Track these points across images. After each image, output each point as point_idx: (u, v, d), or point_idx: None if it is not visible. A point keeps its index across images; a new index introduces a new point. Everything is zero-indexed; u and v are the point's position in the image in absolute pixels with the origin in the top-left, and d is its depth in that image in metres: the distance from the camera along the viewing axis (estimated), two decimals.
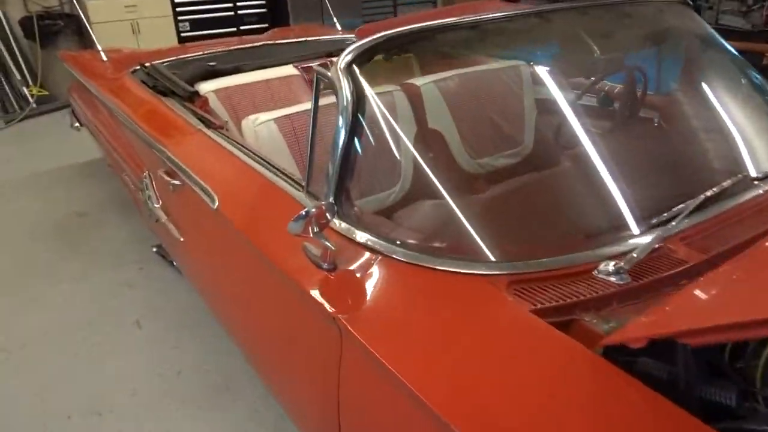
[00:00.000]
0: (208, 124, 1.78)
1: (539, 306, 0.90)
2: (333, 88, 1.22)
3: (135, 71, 2.56)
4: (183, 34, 5.33)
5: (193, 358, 1.94)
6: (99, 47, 3.01)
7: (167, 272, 2.45)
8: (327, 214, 1.06)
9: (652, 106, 1.76)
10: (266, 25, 5.62)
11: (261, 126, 1.73)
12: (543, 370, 0.82)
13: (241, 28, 5.62)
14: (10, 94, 4.84)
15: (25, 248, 2.75)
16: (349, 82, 1.19)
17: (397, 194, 1.97)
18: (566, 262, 0.98)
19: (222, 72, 2.41)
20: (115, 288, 2.37)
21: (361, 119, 1.20)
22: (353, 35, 3.10)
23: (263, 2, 5.69)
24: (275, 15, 5.74)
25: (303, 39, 3.11)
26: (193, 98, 2.06)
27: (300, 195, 1.30)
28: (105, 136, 2.68)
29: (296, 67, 2.52)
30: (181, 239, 1.79)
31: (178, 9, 5.28)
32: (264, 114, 1.77)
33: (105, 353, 2.00)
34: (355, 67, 1.22)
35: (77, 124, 3.33)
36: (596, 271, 0.97)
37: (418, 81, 2.05)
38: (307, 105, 1.84)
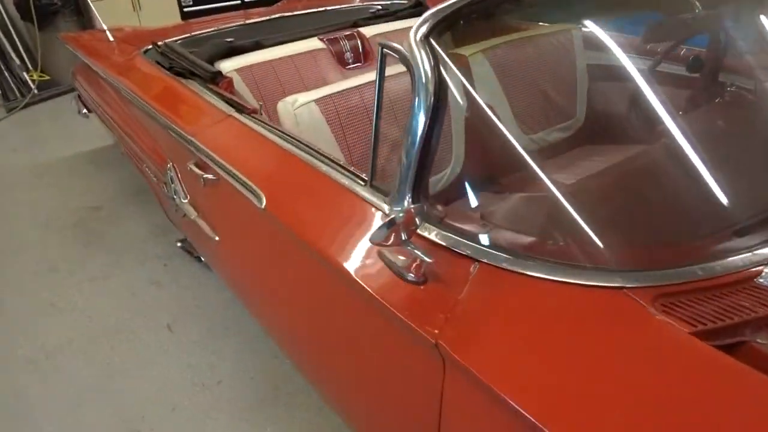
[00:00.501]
0: (240, 109, 1.59)
1: (700, 327, 0.73)
2: (406, 65, 1.03)
3: (147, 51, 2.36)
4: (186, 9, 5.07)
5: (234, 365, 1.79)
6: (104, 26, 2.80)
7: (194, 269, 2.28)
8: (416, 219, 0.89)
9: (740, 72, 1.56)
10: None
11: (301, 108, 1.54)
12: (721, 412, 0.65)
13: (246, 0, 5.36)
14: (10, 81, 4.63)
15: (39, 245, 2.59)
16: (428, 57, 0.99)
17: (449, 177, 1.79)
18: (722, 268, 0.80)
19: (242, 48, 2.20)
20: (141, 287, 2.21)
21: (444, 100, 1.01)
22: (375, 3, 2.81)
23: None
24: None
25: (321, 9, 2.88)
26: (216, 79, 1.86)
27: (364, 191, 1.13)
28: (118, 123, 2.48)
29: (321, 39, 2.31)
30: (216, 238, 1.62)
31: None
32: (302, 95, 1.58)
33: (138, 362, 1.85)
34: (432, 39, 1.03)
35: (85, 111, 3.13)
36: (760, 279, 0.79)
37: (465, 51, 1.85)
38: (349, 82, 1.64)
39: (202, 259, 2.23)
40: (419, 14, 2.66)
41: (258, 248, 1.40)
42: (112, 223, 2.70)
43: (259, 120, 1.51)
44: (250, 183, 1.29)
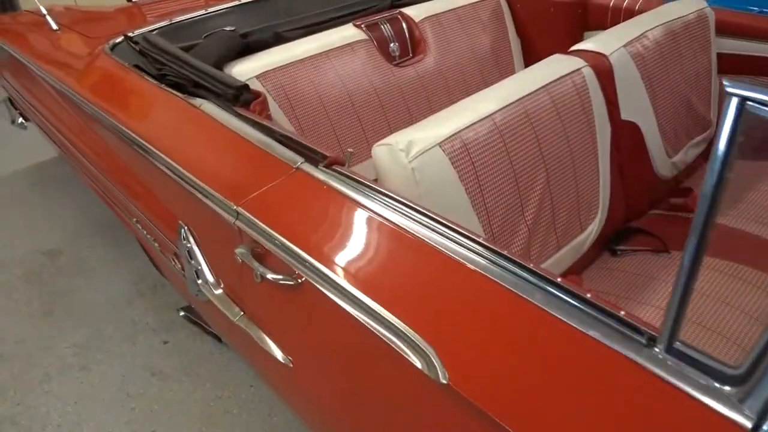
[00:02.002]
0: (314, 158, 1.00)
1: None
2: None
3: (116, 47, 1.69)
4: None
5: None
6: (42, 9, 2.07)
7: (208, 348, 1.68)
8: None
9: None
10: None
11: (423, 158, 0.96)
12: None
13: None
14: None
15: None
16: None
17: (596, 231, 1.28)
18: None
19: (257, 44, 1.58)
20: (137, 381, 1.60)
21: None
22: None
23: None
24: None
25: None
26: (242, 97, 1.24)
27: (657, 362, 0.60)
28: (79, 148, 1.81)
29: (357, 26, 1.72)
30: (282, 359, 1.04)
31: None
32: (412, 132, 1.00)
33: None
34: None
35: (21, 120, 2.39)
36: None
37: (603, 46, 1.31)
38: (479, 105, 1.07)
39: (223, 341, 1.63)
40: None
41: (402, 418, 0.83)
42: (78, 275, 2.03)
43: (356, 179, 0.93)
44: (406, 330, 0.72)
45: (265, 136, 1.10)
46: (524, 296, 0.69)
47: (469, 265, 0.74)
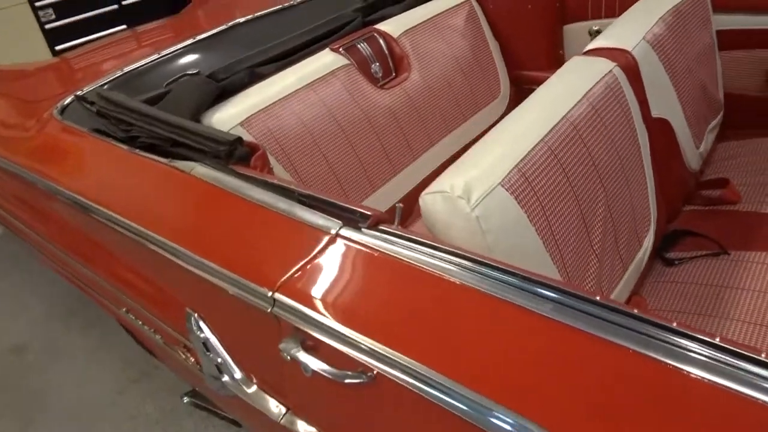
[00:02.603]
0: (351, 219, 0.84)
1: None
2: None
3: (65, 109, 1.47)
4: (48, 26, 3.88)
5: None
6: None
7: None
8: None
9: None
10: None
11: (486, 203, 0.82)
12: None
13: (123, 2, 4.24)
14: None
15: None
16: None
17: (651, 242, 1.17)
18: None
19: (231, 87, 1.41)
20: None
21: None
22: None
23: None
24: None
25: (288, 4, 2.06)
26: (236, 153, 1.06)
27: None
28: (35, 228, 1.57)
29: (336, 50, 1.57)
30: None
31: None
32: (466, 168, 0.86)
33: None
34: None
35: None
36: None
37: (623, 42, 1.21)
38: (537, 127, 0.93)
39: (240, 424, 1.44)
40: None
41: None
42: (53, 370, 1.78)
43: (413, 239, 0.78)
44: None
45: (282, 199, 0.93)
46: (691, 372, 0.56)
47: (589, 331, 0.61)
